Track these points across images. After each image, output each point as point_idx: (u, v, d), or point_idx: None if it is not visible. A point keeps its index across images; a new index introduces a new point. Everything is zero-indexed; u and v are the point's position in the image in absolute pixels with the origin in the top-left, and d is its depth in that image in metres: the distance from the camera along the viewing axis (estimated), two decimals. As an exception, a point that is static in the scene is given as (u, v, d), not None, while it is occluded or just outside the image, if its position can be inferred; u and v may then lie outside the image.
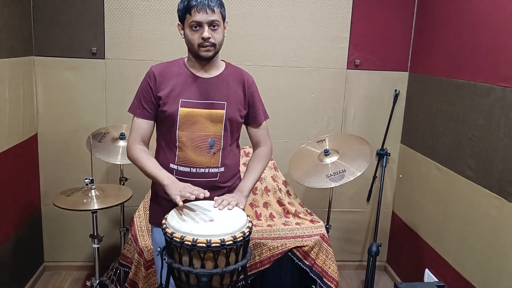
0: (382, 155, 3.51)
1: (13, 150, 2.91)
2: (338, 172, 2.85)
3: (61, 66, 3.20)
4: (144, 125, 2.04)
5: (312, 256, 2.77)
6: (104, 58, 3.21)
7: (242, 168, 2.33)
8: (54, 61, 3.19)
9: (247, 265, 2.61)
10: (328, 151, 2.98)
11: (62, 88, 3.23)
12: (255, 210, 3.00)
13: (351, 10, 3.31)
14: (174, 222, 1.77)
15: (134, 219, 2.88)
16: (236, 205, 1.92)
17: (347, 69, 3.40)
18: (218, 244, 1.68)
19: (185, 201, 1.86)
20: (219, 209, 1.88)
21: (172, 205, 1.87)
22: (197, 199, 1.82)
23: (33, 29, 3.13)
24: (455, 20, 2.84)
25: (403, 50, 3.43)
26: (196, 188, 1.85)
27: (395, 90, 3.46)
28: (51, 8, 3.12)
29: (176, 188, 1.85)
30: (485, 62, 2.51)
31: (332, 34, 3.34)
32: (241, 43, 3.27)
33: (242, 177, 2.19)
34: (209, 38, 1.92)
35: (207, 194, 1.82)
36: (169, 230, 1.74)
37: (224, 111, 2.01)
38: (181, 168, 2.02)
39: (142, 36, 3.20)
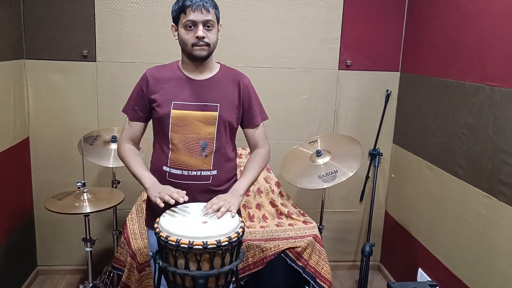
0: (374, 155, 3.52)
1: (4, 154, 2.90)
2: (330, 173, 2.86)
3: (52, 69, 3.19)
4: (134, 126, 2.08)
5: (305, 257, 2.78)
6: (95, 61, 3.20)
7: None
8: (45, 64, 3.18)
9: (241, 266, 2.62)
10: (320, 152, 3.00)
11: (53, 91, 3.22)
12: (248, 212, 3.00)
13: (342, 11, 3.33)
14: (168, 225, 1.77)
15: (127, 222, 2.87)
16: (229, 211, 1.86)
17: (338, 69, 3.41)
18: (215, 245, 1.68)
19: (175, 204, 1.86)
20: (209, 214, 1.84)
21: (165, 209, 1.86)
22: (177, 203, 1.83)
23: (23, 32, 3.12)
24: (444, 21, 2.86)
25: (394, 50, 3.44)
26: (176, 190, 1.86)
27: (387, 90, 3.47)
28: (42, 11, 3.10)
29: (155, 190, 1.87)
30: (473, 62, 2.54)
31: (323, 35, 3.35)
32: (233, 45, 3.27)
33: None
34: (204, 37, 1.91)
35: (186, 198, 1.83)
36: (163, 234, 1.73)
37: (217, 113, 2.01)
38: (173, 171, 2.01)
39: (133, 39, 3.20)
